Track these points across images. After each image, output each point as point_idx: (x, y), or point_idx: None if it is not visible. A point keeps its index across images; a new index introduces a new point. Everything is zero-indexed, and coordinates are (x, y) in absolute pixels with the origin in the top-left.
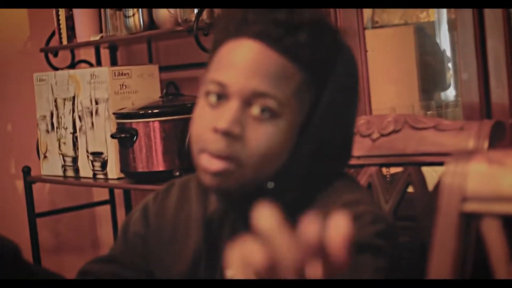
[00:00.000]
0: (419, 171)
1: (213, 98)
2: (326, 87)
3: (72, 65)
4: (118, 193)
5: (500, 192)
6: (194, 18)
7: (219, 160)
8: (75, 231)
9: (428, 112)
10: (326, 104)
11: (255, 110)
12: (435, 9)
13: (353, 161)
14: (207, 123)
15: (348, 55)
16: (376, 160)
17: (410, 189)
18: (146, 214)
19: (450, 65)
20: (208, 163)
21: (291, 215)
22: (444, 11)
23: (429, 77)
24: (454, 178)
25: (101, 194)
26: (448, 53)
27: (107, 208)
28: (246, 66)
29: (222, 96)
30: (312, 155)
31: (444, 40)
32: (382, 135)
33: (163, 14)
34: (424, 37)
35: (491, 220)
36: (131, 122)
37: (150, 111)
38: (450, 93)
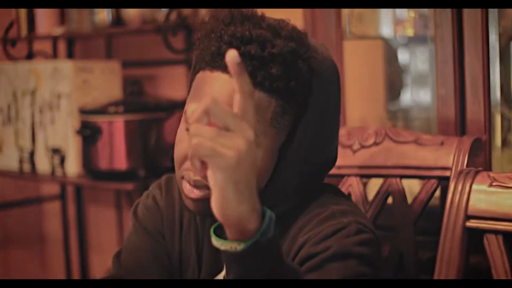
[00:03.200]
0: (399, 184)
1: None
2: (303, 109)
3: (29, 56)
4: (69, 189)
5: (502, 212)
6: (163, 18)
7: (198, 189)
8: (22, 226)
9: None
10: (304, 126)
11: None
12: (412, 25)
13: (334, 171)
14: (186, 149)
15: (324, 76)
16: (357, 171)
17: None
18: (157, 207)
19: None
20: (188, 191)
21: (283, 226)
22: (422, 27)
23: (395, 90)
24: (458, 196)
25: (51, 189)
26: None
27: (56, 203)
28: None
29: None
30: (297, 172)
31: (420, 55)
32: (363, 147)
33: (131, 11)
34: (390, 51)
35: (492, 236)
36: (96, 119)
37: (116, 109)
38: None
